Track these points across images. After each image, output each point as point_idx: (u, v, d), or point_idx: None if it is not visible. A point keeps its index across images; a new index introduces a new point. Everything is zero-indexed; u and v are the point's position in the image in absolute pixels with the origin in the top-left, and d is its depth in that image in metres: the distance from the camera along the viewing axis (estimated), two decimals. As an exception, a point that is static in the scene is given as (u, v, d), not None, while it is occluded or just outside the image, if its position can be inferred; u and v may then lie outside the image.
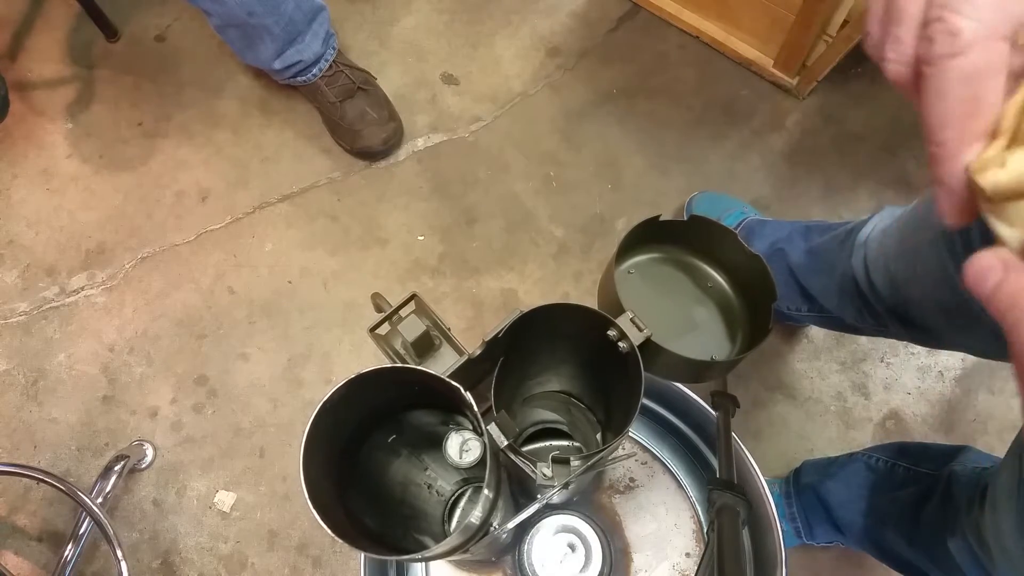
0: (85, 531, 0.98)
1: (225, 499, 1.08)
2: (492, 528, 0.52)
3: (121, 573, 0.93)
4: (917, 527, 0.75)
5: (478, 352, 0.51)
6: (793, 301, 0.93)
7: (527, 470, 0.48)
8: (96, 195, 1.27)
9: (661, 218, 0.53)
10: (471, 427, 0.58)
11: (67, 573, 0.96)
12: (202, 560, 1.06)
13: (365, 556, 0.65)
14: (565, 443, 0.72)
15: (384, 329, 0.55)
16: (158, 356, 1.17)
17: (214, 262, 1.22)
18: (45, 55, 1.39)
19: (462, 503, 0.69)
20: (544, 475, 0.48)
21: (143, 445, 1.11)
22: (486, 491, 0.45)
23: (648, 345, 0.48)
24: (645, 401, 0.75)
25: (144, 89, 1.35)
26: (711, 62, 1.35)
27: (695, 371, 0.51)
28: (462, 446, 0.58)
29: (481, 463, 0.57)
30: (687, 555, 0.71)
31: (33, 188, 1.29)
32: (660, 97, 1.33)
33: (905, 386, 1.14)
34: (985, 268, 0.23)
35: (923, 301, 0.66)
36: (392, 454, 0.59)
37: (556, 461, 0.48)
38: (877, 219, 0.77)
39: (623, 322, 0.48)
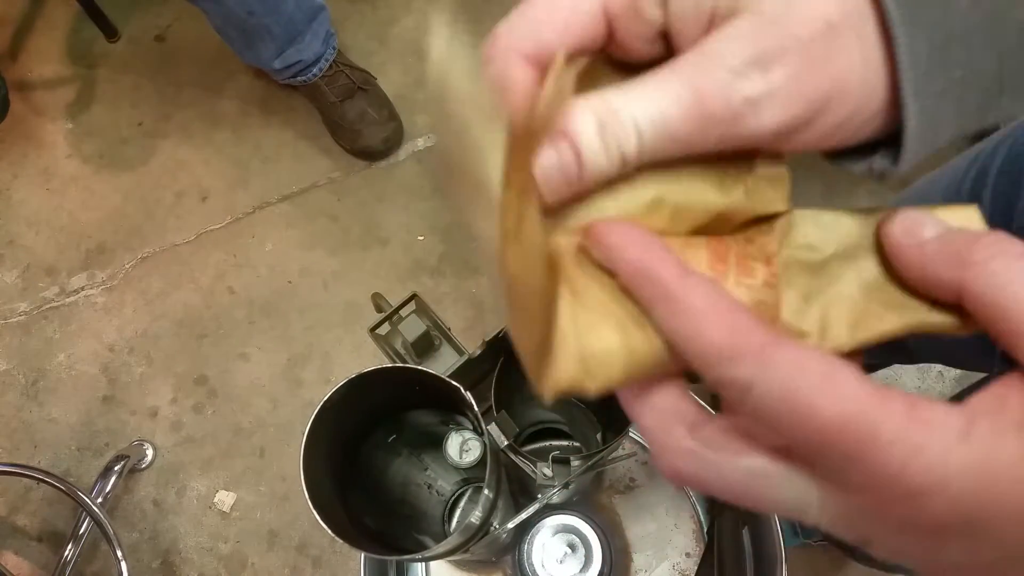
0: (85, 531, 0.98)
1: (225, 499, 1.08)
2: (492, 528, 0.52)
3: (121, 573, 0.93)
4: None
5: (478, 352, 0.51)
6: None
7: (527, 470, 0.48)
8: (96, 195, 1.27)
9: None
10: (471, 427, 0.58)
11: (67, 573, 0.96)
12: (202, 560, 1.06)
13: (365, 556, 0.65)
14: (565, 443, 0.72)
15: (384, 329, 0.55)
16: (158, 356, 1.17)
17: (214, 262, 1.22)
18: (45, 55, 1.39)
19: (462, 503, 0.69)
20: (544, 475, 0.48)
21: (143, 445, 1.11)
22: (486, 491, 0.45)
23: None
24: (645, 401, 0.75)
25: (144, 89, 1.35)
26: (711, 62, 1.35)
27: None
28: (462, 446, 0.58)
29: (481, 463, 0.57)
30: (687, 555, 0.71)
31: (33, 188, 1.29)
32: (660, 97, 1.33)
33: (905, 386, 1.14)
34: None
35: None
36: (392, 454, 0.59)
37: (556, 461, 0.48)
38: None
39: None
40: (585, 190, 0.19)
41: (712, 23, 0.17)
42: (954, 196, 0.54)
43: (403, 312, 0.54)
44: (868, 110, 0.17)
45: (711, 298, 0.16)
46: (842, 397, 0.15)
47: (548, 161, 0.18)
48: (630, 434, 0.75)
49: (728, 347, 0.16)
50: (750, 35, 0.16)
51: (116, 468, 1.04)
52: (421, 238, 1.22)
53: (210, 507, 1.08)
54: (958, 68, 0.16)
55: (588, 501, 0.73)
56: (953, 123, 0.17)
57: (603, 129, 0.17)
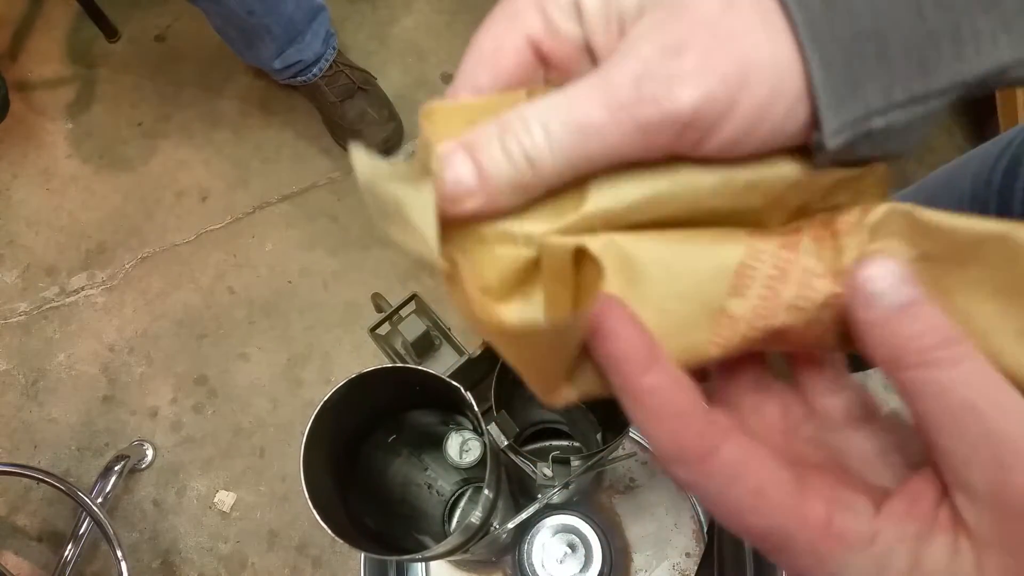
0: (85, 531, 0.98)
1: (225, 499, 1.08)
2: (492, 528, 0.52)
3: (121, 573, 0.93)
4: None
5: (478, 352, 0.51)
6: None
7: (527, 470, 0.48)
8: (96, 195, 1.27)
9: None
10: (471, 427, 0.58)
11: (67, 573, 0.96)
12: (202, 560, 1.06)
13: (365, 556, 0.65)
14: (565, 443, 0.72)
15: (384, 329, 0.55)
16: (158, 356, 1.17)
17: (214, 262, 1.22)
18: (45, 55, 1.39)
19: (462, 503, 0.69)
20: (544, 475, 0.48)
21: (143, 445, 1.11)
22: (486, 491, 0.45)
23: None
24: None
25: (144, 89, 1.35)
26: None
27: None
28: (462, 446, 0.58)
29: (481, 463, 0.57)
30: (687, 555, 0.71)
31: (33, 188, 1.29)
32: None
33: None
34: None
35: None
36: (392, 454, 0.59)
37: (556, 461, 0.48)
38: None
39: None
40: (505, 199, 0.18)
41: (623, 30, 0.18)
42: (983, 187, 0.53)
43: (403, 312, 0.54)
44: (789, 89, 0.17)
45: (665, 399, 0.17)
46: (767, 510, 0.17)
47: (448, 175, 0.18)
48: (630, 434, 0.75)
49: (672, 452, 0.17)
50: (656, 28, 0.17)
51: (116, 468, 1.04)
52: (421, 238, 1.22)
53: (210, 507, 1.08)
54: (865, 16, 0.16)
55: (588, 501, 0.73)
56: (882, 81, 0.17)
57: (503, 136, 0.18)
